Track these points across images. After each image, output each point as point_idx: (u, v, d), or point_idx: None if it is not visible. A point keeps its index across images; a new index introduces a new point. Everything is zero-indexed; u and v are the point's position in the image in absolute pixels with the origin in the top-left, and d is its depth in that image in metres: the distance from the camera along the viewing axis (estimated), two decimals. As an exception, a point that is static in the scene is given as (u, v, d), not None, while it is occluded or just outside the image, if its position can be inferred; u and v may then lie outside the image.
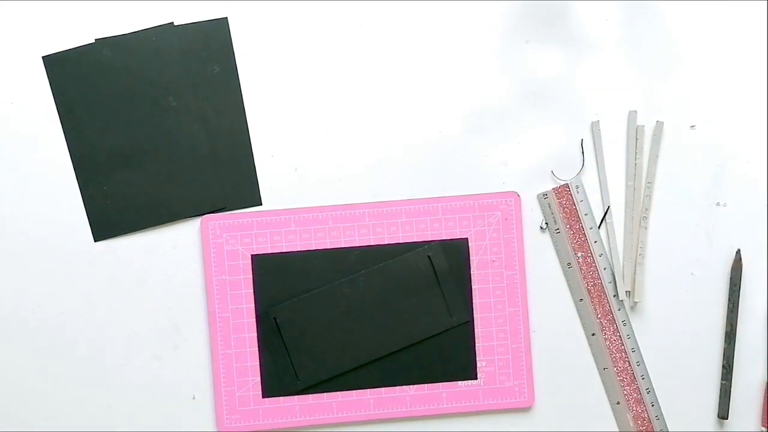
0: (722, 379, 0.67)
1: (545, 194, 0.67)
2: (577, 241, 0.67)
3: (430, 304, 0.64)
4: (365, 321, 0.64)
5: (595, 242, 0.66)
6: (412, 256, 0.64)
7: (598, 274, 0.67)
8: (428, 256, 0.64)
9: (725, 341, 0.67)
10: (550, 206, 0.67)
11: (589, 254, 0.67)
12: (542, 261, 0.67)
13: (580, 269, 0.67)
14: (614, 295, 0.67)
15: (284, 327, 0.64)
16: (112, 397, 0.66)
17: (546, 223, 0.67)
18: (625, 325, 0.66)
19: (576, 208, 0.67)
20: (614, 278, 0.67)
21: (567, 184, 0.67)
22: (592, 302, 0.67)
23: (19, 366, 0.65)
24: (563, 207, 0.67)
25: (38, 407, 0.66)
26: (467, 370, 0.65)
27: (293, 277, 0.65)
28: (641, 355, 0.67)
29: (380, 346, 0.64)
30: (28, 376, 0.65)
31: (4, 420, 0.65)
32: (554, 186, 0.67)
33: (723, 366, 0.67)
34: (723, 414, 0.66)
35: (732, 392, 0.67)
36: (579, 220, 0.67)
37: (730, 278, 0.67)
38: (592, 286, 0.67)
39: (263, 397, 0.65)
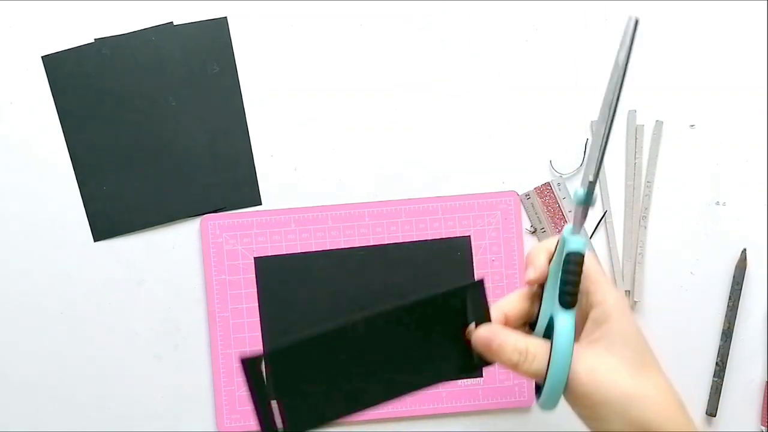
0: (714, 377, 0.67)
1: (528, 194, 0.67)
2: None
3: (452, 348, 0.48)
4: (376, 367, 0.47)
5: None
6: (448, 296, 0.47)
7: None
8: (461, 302, 0.48)
9: (721, 339, 0.67)
10: (533, 206, 0.67)
11: None
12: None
13: None
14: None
15: (276, 374, 0.45)
16: (112, 397, 0.66)
17: (533, 226, 0.67)
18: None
19: (559, 206, 0.67)
20: (613, 277, 0.67)
21: (549, 182, 0.67)
22: (584, 297, 0.67)
23: (19, 365, 0.65)
24: (547, 206, 0.67)
25: (38, 407, 0.66)
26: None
27: (298, 279, 0.65)
28: None
29: (384, 393, 0.48)
30: (28, 375, 0.65)
31: (4, 420, 0.65)
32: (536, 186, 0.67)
33: (717, 363, 0.67)
34: (711, 411, 0.66)
35: (730, 391, 0.67)
36: (563, 218, 0.67)
37: (733, 277, 0.67)
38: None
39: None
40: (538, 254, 0.48)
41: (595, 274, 0.47)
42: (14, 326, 0.65)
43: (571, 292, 0.45)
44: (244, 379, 0.44)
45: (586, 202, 0.43)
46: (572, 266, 0.45)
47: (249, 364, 0.43)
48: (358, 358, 0.46)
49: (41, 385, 0.66)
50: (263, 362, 0.44)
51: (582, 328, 0.47)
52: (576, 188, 0.44)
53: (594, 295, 0.46)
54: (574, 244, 0.45)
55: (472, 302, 0.47)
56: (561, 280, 0.45)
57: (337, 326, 0.45)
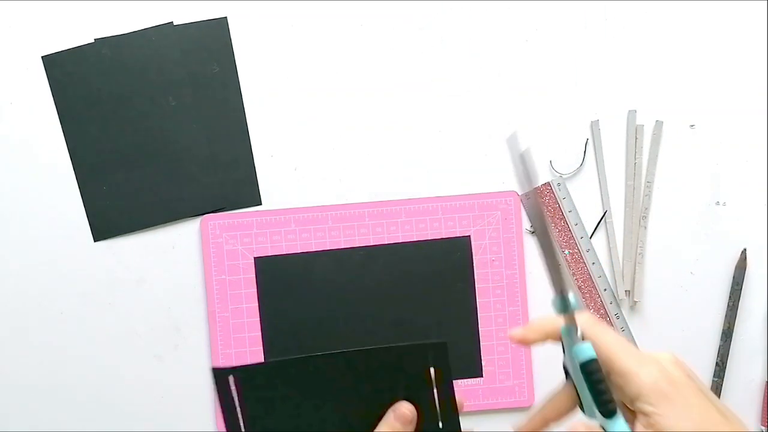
0: (714, 377, 0.67)
1: (527, 195, 0.67)
2: (564, 239, 0.67)
3: (416, 405, 0.46)
4: (334, 405, 0.46)
5: (581, 238, 0.67)
6: (408, 354, 0.46)
7: (587, 270, 0.67)
8: (423, 358, 0.46)
9: (721, 339, 0.67)
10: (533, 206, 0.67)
11: (576, 251, 0.67)
12: (539, 259, 0.67)
13: (569, 266, 0.67)
14: (605, 289, 0.67)
15: (245, 389, 0.46)
16: (112, 397, 0.66)
17: (532, 226, 0.67)
18: (618, 318, 0.67)
19: (559, 206, 0.67)
20: (614, 277, 0.67)
21: (549, 182, 0.67)
22: (584, 298, 0.67)
23: (19, 365, 0.65)
24: (547, 206, 0.67)
25: (38, 407, 0.66)
26: (473, 368, 0.65)
27: (298, 279, 0.65)
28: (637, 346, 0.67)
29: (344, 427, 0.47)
30: (28, 375, 0.65)
31: (4, 420, 0.65)
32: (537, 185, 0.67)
33: (717, 363, 0.67)
34: None
35: (730, 391, 0.67)
36: (563, 218, 0.67)
37: (733, 277, 0.67)
38: (582, 282, 0.67)
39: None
40: (536, 331, 0.45)
41: (618, 365, 0.41)
42: (14, 326, 0.65)
43: (607, 401, 0.41)
44: (214, 387, 0.46)
45: (565, 310, 0.41)
46: (593, 376, 0.41)
47: (218, 375, 0.46)
48: (324, 392, 0.46)
49: (41, 385, 0.66)
50: (231, 376, 0.45)
51: (634, 414, 0.42)
52: (552, 297, 0.42)
53: (627, 387, 0.41)
54: (583, 353, 0.41)
55: (438, 362, 0.45)
56: (590, 392, 0.41)
57: (302, 357, 0.46)
